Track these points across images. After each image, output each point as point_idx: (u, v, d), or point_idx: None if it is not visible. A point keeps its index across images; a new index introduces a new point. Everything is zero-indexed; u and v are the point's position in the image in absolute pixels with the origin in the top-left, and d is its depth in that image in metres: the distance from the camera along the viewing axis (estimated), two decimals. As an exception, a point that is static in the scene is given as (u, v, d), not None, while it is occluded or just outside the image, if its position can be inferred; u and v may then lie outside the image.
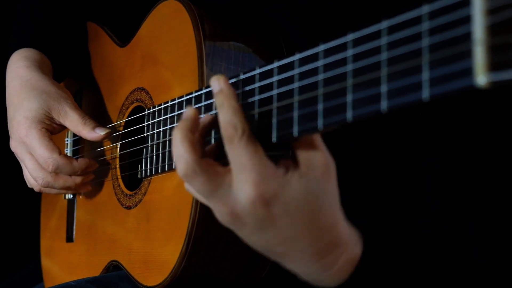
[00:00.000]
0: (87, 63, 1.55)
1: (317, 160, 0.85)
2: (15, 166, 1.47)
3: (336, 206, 0.88)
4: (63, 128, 1.40)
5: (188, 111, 0.90)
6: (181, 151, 0.86)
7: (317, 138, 0.86)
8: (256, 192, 0.83)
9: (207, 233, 1.09)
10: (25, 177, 1.43)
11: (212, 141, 0.95)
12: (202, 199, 0.90)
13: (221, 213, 0.87)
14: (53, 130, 1.38)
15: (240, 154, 0.84)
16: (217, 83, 0.89)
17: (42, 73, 1.40)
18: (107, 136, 1.36)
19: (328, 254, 0.89)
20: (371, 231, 0.95)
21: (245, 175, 0.83)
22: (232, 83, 0.93)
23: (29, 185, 1.44)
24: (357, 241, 0.91)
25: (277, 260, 0.91)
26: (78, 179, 1.38)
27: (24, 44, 1.45)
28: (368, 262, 0.92)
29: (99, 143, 1.42)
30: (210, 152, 0.93)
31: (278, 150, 0.89)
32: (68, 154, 1.53)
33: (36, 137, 1.34)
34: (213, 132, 0.95)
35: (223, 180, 0.85)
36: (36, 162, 1.36)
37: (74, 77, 1.58)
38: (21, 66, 1.41)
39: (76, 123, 1.36)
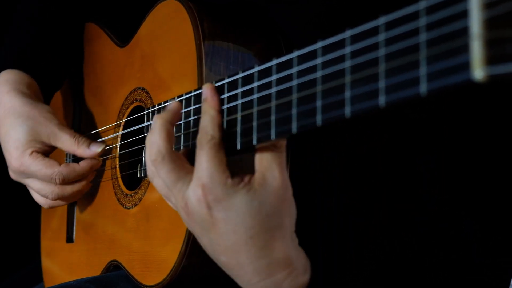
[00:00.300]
0: (86, 64, 1.55)
1: (272, 181, 0.89)
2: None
3: (286, 229, 0.90)
4: (55, 149, 1.39)
5: (172, 104, 0.98)
6: (156, 138, 0.93)
7: (280, 162, 0.89)
8: (202, 192, 0.89)
9: (206, 232, 1.09)
10: (34, 198, 1.43)
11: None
12: (163, 189, 0.95)
13: (179, 207, 0.93)
14: (45, 153, 1.37)
15: (202, 156, 0.90)
16: (204, 91, 0.95)
17: (24, 97, 1.36)
18: (103, 151, 1.36)
19: (270, 276, 0.91)
20: (324, 262, 0.96)
21: (199, 175, 0.89)
22: (231, 81, 0.94)
23: (39, 203, 1.43)
24: (306, 268, 0.92)
25: (228, 273, 0.95)
26: (84, 181, 1.38)
27: (6, 65, 1.41)
28: None
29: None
30: (186, 153, 0.99)
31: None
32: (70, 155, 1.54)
33: (30, 163, 1.33)
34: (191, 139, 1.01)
35: (185, 175, 0.92)
36: (40, 181, 1.35)
37: (74, 78, 1.58)
38: (1, 92, 1.37)
39: (69, 144, 1.35)
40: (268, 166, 0.89)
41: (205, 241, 0.93)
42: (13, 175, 1.38)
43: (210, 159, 0.89)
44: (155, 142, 0.93)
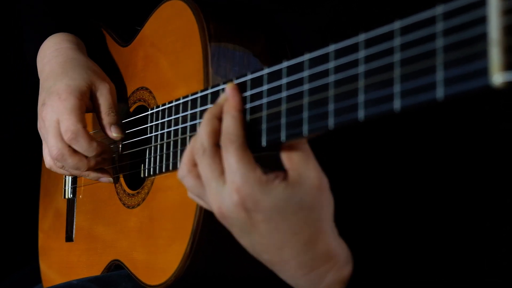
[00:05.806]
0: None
1: (309, 176, 0.88)
2: (15, 167, 1.46)
3: (327, 223, 0.90)
4: (94, 110, 1.37)
5: (221, 98, 0.95)
6: (202, 132, 0.92)
7: (311, 155, 0.89)
8: (239, 196, 0.88)
9: (212, 233, 1.09)
10: (43, 155, 1.39)
11: None
12: (198, 187, 0.93)
13: (213, 207, 0.92)
14: (89, 106, 1.35)
15: (229, 158, 0.89)
16: (227, 91, 0.94)
17: (87, 57, 1.42)
18: (116, 140, 1.35)
19: (314, 269, 0.91)
20: (365, 252, 0.96)
21: (231, 178, 0.88)
22: (240, 83, 0.94)
23: (45, 161, 1.40)
24: (348, 261, 0.93)
25: (271, 269, 0.94)
26: (92, 162, 1.33)
27: (62, 28, 1.46)
28: (359, 283, 0.93)
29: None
30: None
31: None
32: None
33: (72, 103, 1.30)
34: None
35: (219, 175, 0.90)
36: (58, 131, 1.31)
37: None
38: (66, 47, 1.42)
39: (102, 109, 1.35)
40: (300, 162, 0.88)
41: (245, 242, 0.93)
42: (44, 111, 1.33)
43: (239, 160, 0.88)
44: (199, 135, 0.92)
